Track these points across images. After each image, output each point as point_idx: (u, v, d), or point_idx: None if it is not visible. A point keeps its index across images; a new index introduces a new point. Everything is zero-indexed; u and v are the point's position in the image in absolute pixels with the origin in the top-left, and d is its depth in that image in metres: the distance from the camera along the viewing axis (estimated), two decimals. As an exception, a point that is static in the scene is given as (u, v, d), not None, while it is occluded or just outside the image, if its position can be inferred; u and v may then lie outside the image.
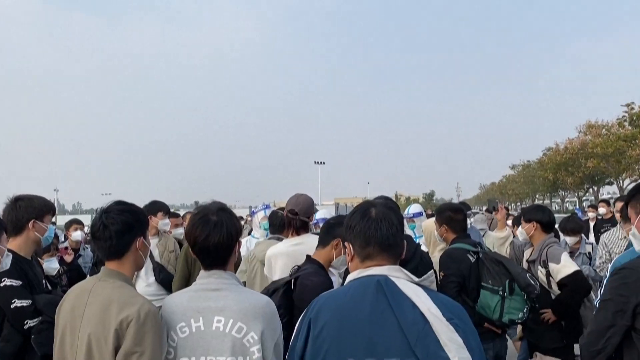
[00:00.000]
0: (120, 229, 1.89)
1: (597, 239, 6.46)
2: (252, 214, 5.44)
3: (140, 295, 1.86)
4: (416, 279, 1.59)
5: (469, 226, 5.40)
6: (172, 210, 5.02)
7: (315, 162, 66.13)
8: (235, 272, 1.99)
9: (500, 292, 3.03)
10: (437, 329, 1.44)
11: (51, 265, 4.04)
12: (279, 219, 4.11)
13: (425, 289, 1.57)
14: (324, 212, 4.89)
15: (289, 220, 3.24)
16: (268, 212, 5.07)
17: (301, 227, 3.22)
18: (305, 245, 3.16)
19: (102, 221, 1.90)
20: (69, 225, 6.14)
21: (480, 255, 3.21)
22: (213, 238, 1.84)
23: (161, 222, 4.39)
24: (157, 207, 4.43)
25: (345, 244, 1.72)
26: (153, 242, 4.39)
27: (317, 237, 3.34)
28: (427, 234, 4.73)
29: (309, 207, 3.27)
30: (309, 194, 3.47)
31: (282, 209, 4.20)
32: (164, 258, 4.41)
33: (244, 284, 3.71)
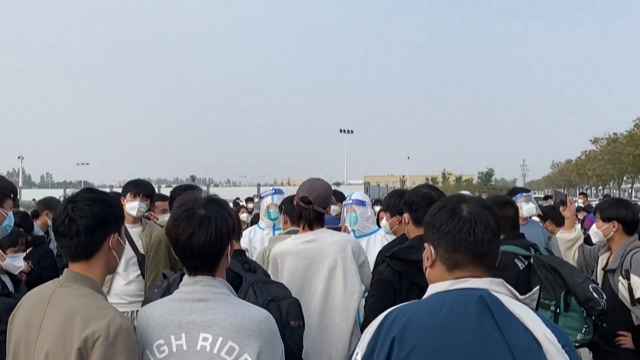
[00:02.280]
0: (91, 223, 1.90)
1: None
2: (260, 198, 5.46)
3: (111, 307, 1.88)
4: (521, 297, 1.61)
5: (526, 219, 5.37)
6: (164, 186, 5.02)
7: (340, 131, 66.09)
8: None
9: (553, 308, 3.01)
10: (553, 358, 1.48)
11: (15, 262, 4.13)
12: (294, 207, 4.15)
13: (531, 308, 1.61)
14: (361, 194, 4.94)
15: (300, 211, 3.27)
16: (277, 198, 5.12)
17: (315, 220, 3.25)
18: (319, 242, 3.19)
19: (68, 213, 1.91)
20: (42, 207, 6.25)
21: (532, 261, 3.18)
22: (198, 237, 1.86)
23: (128, 204, 4.38)
24: (126, 188, 4.47)
25: (425, 245, 1.75)
26: (136, 231, 4.46)
27: (334, 232, 3.37)
28: None
29: (326, 195, 3.30)
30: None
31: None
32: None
33: None
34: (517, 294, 1.60)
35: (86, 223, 1.90)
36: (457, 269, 1.65)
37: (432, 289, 1.69)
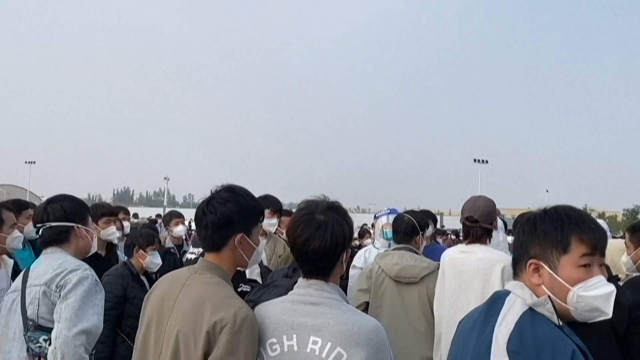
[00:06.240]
0: (217, 220, 2.06)
1: None
2: (375, 218, 5.49)
3: (237, 297, 1.99)
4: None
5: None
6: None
7: (475, 160, 64.33)
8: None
9: None
10: None
11: (155, 260, 4.52)
12: (405, 225, 4.18)
13: None
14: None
15: (467, 230, 3.44)
16: (392, 218, 5.08)
17: (483, 236, 3.42)
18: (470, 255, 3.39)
19: (203, 208, 2.10)
20: (168, 219, 6.78)
21: None
22: (314, 242, 1.90)
23: (266, 220, 4.56)
24: (265, 204, 4.64)
25: None
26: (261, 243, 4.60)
27: (487, 249, 3.41)
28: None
29: (491, 211, 3.43)
30: (465, 200, 3.66)
31: (410, 212, 4.52)
32: (271, 263, 4.63)
33: (366, 305, 3.77)
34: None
35: (212, 220, 2.07)
36: None
37: None
